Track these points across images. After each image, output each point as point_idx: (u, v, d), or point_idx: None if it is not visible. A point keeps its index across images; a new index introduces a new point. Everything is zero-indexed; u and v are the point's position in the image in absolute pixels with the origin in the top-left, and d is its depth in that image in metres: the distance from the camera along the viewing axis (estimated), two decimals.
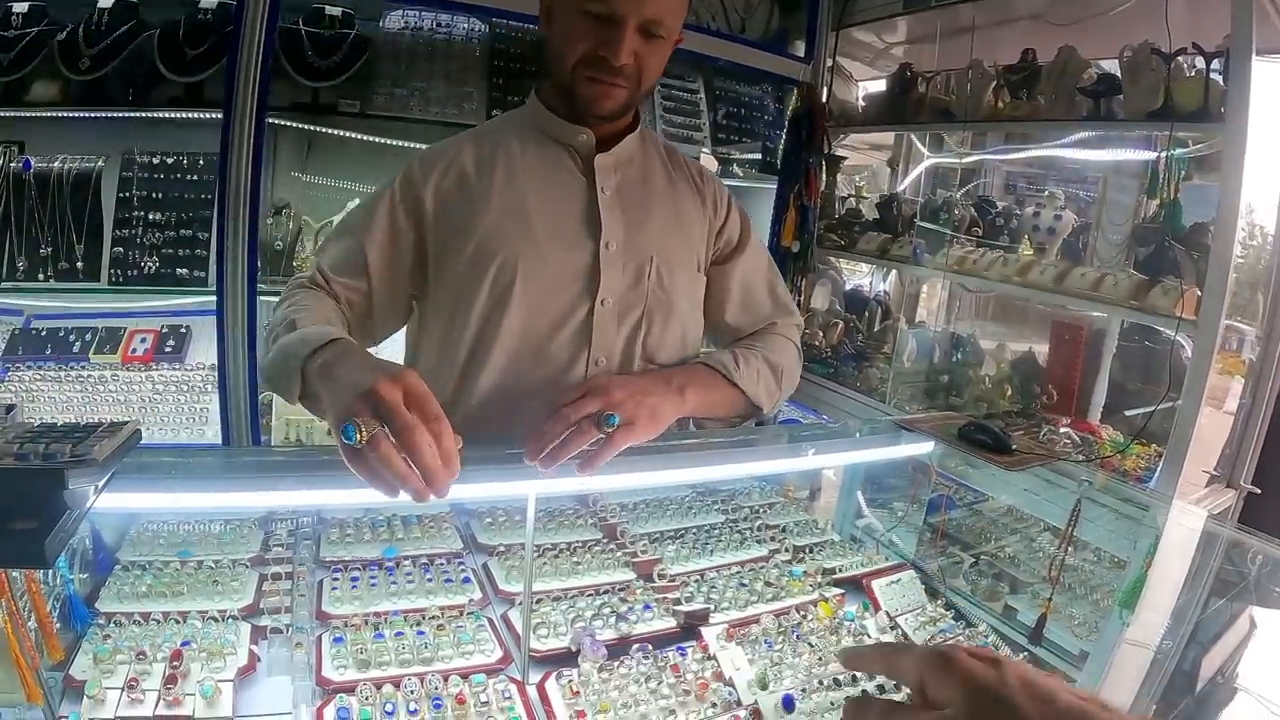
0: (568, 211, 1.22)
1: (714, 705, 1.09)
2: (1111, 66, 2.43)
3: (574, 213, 1.22)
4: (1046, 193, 2.82)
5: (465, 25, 2.66)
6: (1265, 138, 2.07)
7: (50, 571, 0.98)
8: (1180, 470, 2.05)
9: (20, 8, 2.36)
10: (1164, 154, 2.19)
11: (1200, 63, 2.14)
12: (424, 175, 1.22)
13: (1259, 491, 2.42)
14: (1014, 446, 1.46)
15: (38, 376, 2.38)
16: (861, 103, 3.48)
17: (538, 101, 1.26)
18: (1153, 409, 2.19)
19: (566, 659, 1.15)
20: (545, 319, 1.21)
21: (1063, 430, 2.37)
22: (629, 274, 1.24)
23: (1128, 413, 2.49)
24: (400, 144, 2.60)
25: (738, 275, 1.41)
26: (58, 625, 0.99)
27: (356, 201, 2.52)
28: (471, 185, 1.21)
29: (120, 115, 2.39)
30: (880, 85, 3.31)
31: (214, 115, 2.31)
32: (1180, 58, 2.16)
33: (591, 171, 1.24)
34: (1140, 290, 2.20)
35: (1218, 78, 2.10)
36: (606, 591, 1.32)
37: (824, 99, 3.22)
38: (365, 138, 2.58)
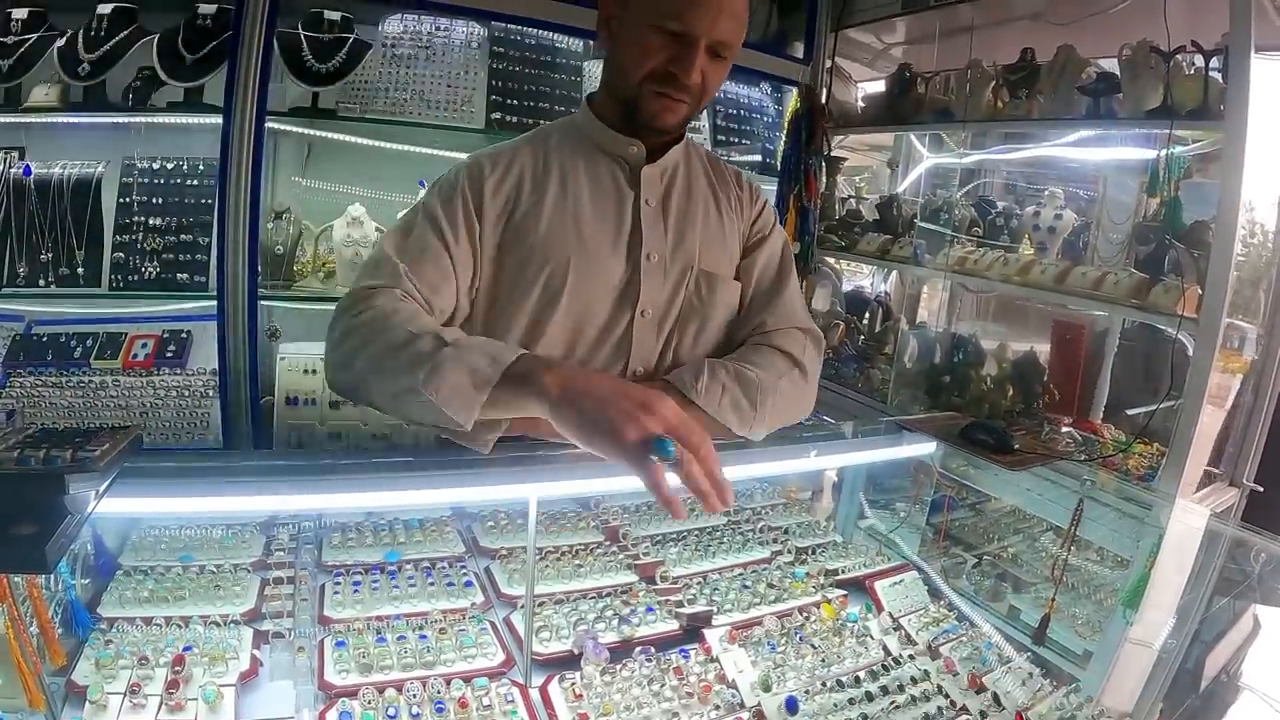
0: (614, 223, 1.22)
1: (717, 707, 1.09)
2: (1111, 65, 2.42)
3: (619, 224, 1.22)
4: (1047, 192, 2.82)
5: (464, 28, 2.66)
6: (1265, 135, 2.07)
7: (52, 577, 0.98)
8: (1183, 469, 2.05)
9: (20, 13, 2.35)
10: (1164, 152, 2.19)
11: (1199, 60, 2.13)
12: (491, 172, 1.20)
13: (1261, 489, 2.42)
14: (1016, 446, 1.46)
15: (39, 382, 2.37)
16: (861, 103, 3.48)
17: (590, 113, 1.25)
18: (1154, 408, 2.19)
19: (569, 662, 1.15)
20: (589, 328, 1.20)
21: (1065, 430, 2.37)
22: (669, 285, 1.23)
23: (1130, 412, 2.49)
24: (400, 148, 2.59)
25: (743, 273, 1.34)
26: (59, 630, 0.99)
27: (354, 209, 2.54)
28: (529, 191, 1.20)
29: (120, 120, 2.39)
30: (879, 86, 3.31)
31: (214, 120, 2.30)
32: (1179, 56, 2.16)
33: (638, 182, 1.24)
34: (1141, 289, 2.20)
35: (1217, 75, 2.10)
36: (609, 594, 1.32)
37: (823, 100, 3.22)
38: (365, 141, 2.57)
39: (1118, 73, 2.35)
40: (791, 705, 1.09)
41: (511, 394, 0.90)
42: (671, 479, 0.83)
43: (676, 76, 1.11)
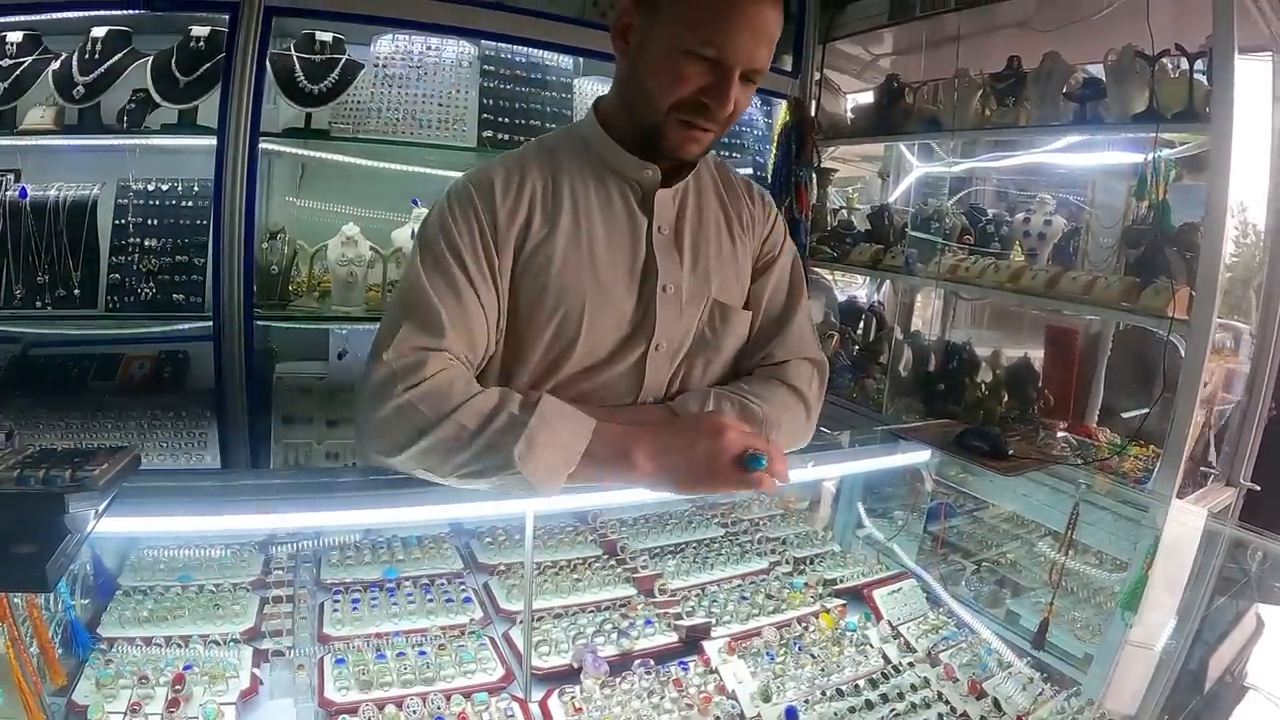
0: (628, 254, 1.15)
1: (717, 718, 1.09)
2: (1096, 71, 2.44)
3: (634, 255, 1.15)
4: (1036, 198, 2.84)
5: (455, 48, 2.68)
6: (1252, 135, 2.09)
7: (52, 597, 0.98)
8: (1178, 470, 2.05)
9: (15, 36, 2.38)
10: (1151, 155, 2.21)
11: (1184, 63, 2.15)
12: (504, 197, 1.10)
13: (1258, 488, 2.43)
14: (1010, 452, 1.46)
15: (36, 403, 2.38)
16: (850, 115, 3.51)
17: (600, 129, 1.15)
18: (1147, 410, 2.20)
19: (569, 676, 1.15)
20: (602, 364, 1.15)
21: (1060, 435, 2.38)
22: (685, 317, 1.17)
23: (1125, 415, 2.50)
24: (393, 167, 2.62)
25: (752, 298, 1.28)
26: (59, 650, 0.99)
27: (348, 229, 2.55)
28: (540, 222, 1.11)
29: (115, 142, 2.41)
30: (868, 97, 3.34)
31: (208, 141, 2.32)
32: (1164, 59, 2.18)
33: (650, 206, 1.16)
34: (1132, 292, 2.21)
35: (1202, 78, 2.12)
36: (608, 608, 1.32)
37: (812, 112, 3.25)
38: (358, 161, 2.59)
39: (1103, 78, 2.37)
40: (791, 715, 1.10)
41: (594, 469, 0.95)
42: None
43: (709, 108, 1.03)
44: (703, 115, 1.04)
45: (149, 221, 2.44)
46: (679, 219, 1.18)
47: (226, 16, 2.31)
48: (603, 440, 0.96)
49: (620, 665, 1.17)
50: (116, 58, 2.38)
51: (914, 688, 1.19)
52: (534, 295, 1.11)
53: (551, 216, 1.12)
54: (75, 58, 2.35)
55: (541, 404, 0.96)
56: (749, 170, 3.22)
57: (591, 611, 1.30)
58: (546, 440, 0.93)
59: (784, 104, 3.21)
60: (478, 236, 1.08)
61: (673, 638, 1.26)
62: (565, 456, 0.93)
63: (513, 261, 1.10)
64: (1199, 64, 2.11)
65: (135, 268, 2.40)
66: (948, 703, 1.17)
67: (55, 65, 2.35)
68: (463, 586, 1.34)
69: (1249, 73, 2.09)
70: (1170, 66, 2.19)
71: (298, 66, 2.46)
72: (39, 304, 2.35)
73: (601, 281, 1.12)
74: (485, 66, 2.69)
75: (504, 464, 0.92)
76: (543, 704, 1.09)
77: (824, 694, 1.15)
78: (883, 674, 1.22)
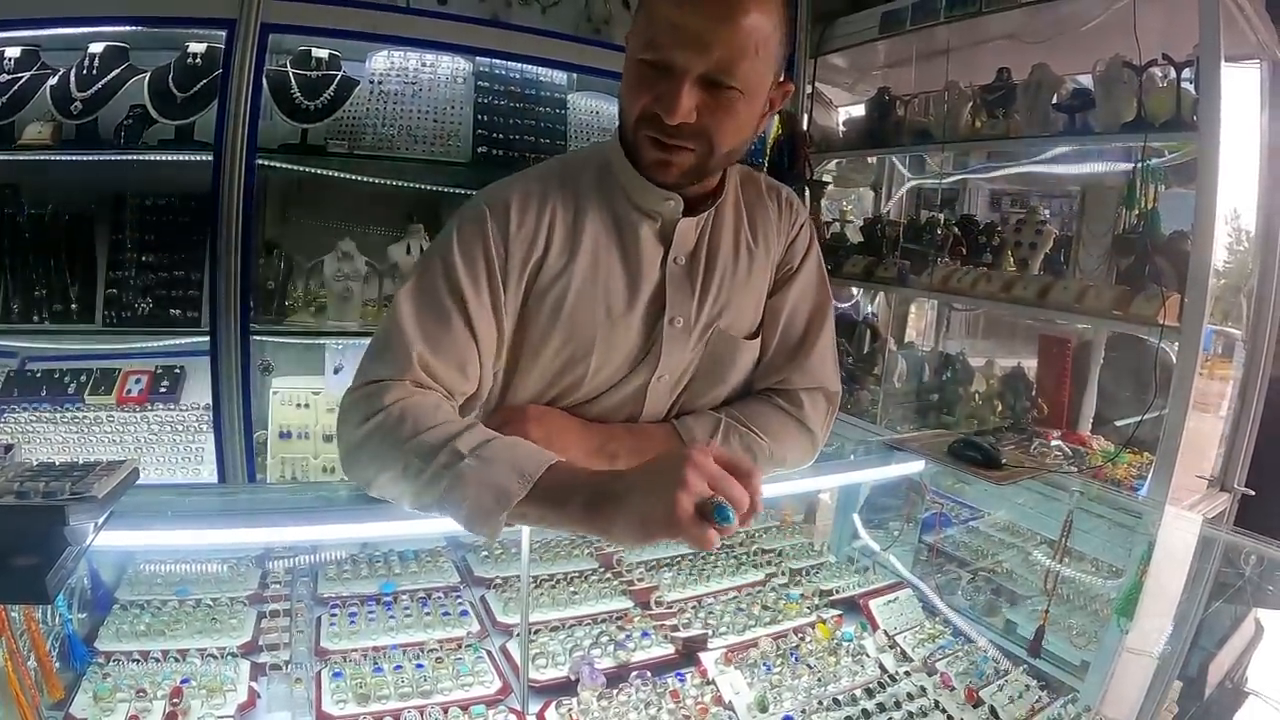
0: (641, 285, 1.09)
1: None
2: (1086, 81, 2.47)
3: (646, 285, 1.09)
4: (1027, 209, 2.86)
5: (449, 64, 2.70)
6: (1241, 142, 2.12)
7: (49, 611, 0.99)
8: (1171, 476, 2.06)
9: (13, 52, 2.39)
10: (1139, 164, 2.23)
11: (1172, 73, 2.18)
12: (519, 225, 1.05)
13: (1253, 493, 2.44)
14: (1003, 461, 1.47)
15: (33, 418, 2.38)
16: (842, 128, 3.54)
17: (625, 160, 1.06)
18: (1140, 418, 2.21)
19: (566, 688, 1.15)
20: (603, 393, 1.13)
21: (1054, 443, 2.39)
22: (690, 349, 1.13)
23: (1118, 423, 2.52)
24: (389, 183, 2.62)
25: (769, 314, 1.21)
26: (57, 664, 0.99)
27: (344, 245, 2.56)
28: (557, 252, 1.07)
29: (112, 158, 2.42)
30: (860, 110, 3.36)
31: (205, 157, 2.33)
32: (1152, 69, 2.20)
33: (668, 237, 1.09)
34: (1123, 300, 2.22)
35: (1189, 87, 2.14)
36: (604, 620, 1.32)
37: (804, 126, 3.27)
38: (354, 177, 2.59)
39: (1092, 88, 2.39)
40: None
41: (539, 510, 0.83)
42: None
43: (659, 117, 0.95)
44: (657, 127, 0.96)
45: (146, 236, 2.44)
46: (696, 246, 1.12)
47: (223, 33, 2.33)
48: (553, 483, 0.83)
49: (617, 677, 1.17)
50: (114, 73, 2.39)
51: (910, 696, 1.19)
52: (544, 327, 1.07)
53: (570, 249, 1.07)
54: (73, 73, 2.36)
55: (491, 444, 0.87)
56: None
57: (588, 624, 1.30)
58: (478, 481, 0.84)
59: (776, 117, 3.24)
60: (482, 263, 1.03)
61: (669, 649, 1.26)
62: (497, 497, 0.82)
63: (525, 290, 1.06)
64: (1186, 73, 2.14)
65: (132, 282, 2.41)
66: (944, 711, 1.18)
67: (53, 81, 2.36)
68: (459, 600, 1.34)
69: (1236, 81, 2.12)
70: (1158, 76, 2.21)
71: (294, 83, 2.48)
72: (36, 318, 2.36)
73: (614, 318, 1.08)
74: (480, 83, 2.71)
75: (437, 502, 0.87)
76: (540, 716, 1.09)
77: (821, 704, 1.15)
78: (879, 683, 1.22)
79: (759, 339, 1.18)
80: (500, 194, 1.07)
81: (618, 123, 1.07)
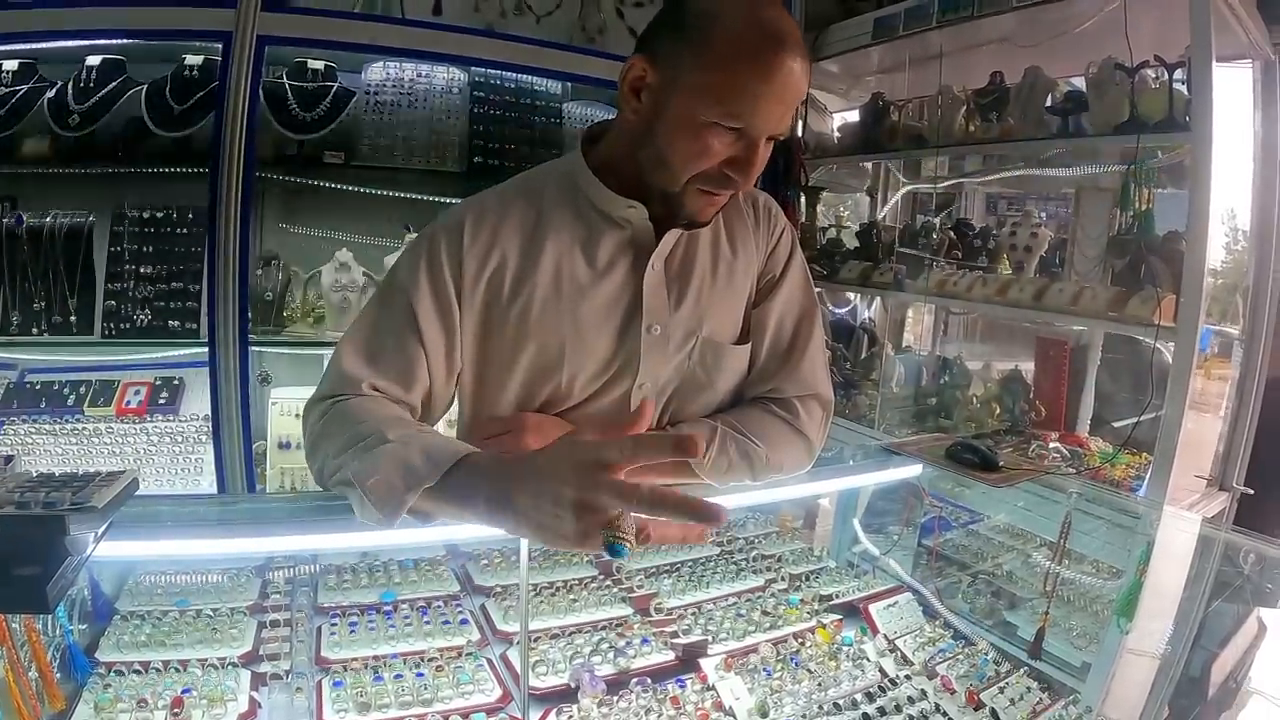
0: (613, 293, 1.09)
1: None
2: (1079, 84, 2.48)
3: (619, 293, 1.09)
4: (1022, 211, 2.87)
5: (445, 75, 2.72)
6: (1234, 142, 2.12)
7: (50, 621, 0.99)
8: (1169, 477, 2.06)
9: (10, 65, 2.40)
10: (1131, 165, 2.24)
11: (1164, 74, 2.19)
12: (473, 242, 1.06)
13: (1252, 492, 2.44)
14: (1001, 463, 1.47)
15: (33, 429, 2.38)
16: (836, 133, 3.55)
17: (589, 172, 1.07)
18: (1137, 419, 2.22)
19: (566, 695, 1.15)
20: (584, 397, 1.12)
21: (1052, 445, 2.39)
22: (671, 357, 1.12)
23: (1116, 424, 2.52)
24: (385, 193, 2.63)
25: (755, 325, 1.21)
26: (58, 675, 0.99)
27: (341, 255, 2.57)
28: (516, 264, 1.07)
29: (110, 171, 2.43)
30: (854, 115, 3.38)
31: (202, 169, 2.34)
32: (1144, 70, 2.21)
33: (640, 244, 1.09)
34: (1118, 301, 2.23)
35: (1181, 87, 2.15)
36: (604, 627, 1.33)
37: (799, 132, 3.28)
38: (350, 188, 2.60)
39: (1085, 90, 2.41)
40: None
41: (447, 506, 0.83)
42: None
43: (734, 180, 0.97)
44: (727, 187, 0.98)
45: (144, 248, 2.45)
46: (672, 254, 1.11)
47: (220, 45, 2.34)
48: (461, 476, 0.82)
49: (617, 684, 1.18)
50: (111, 86, 2.40)
51: (911, 700, 1.19)
52: (513, 337, 1.08)
53: (531, 256, 1.07)
54: (70, 86, 2.37)
55: (417, 434, 0.89)
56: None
57: (588, 631, 1.30)
58: (394, 457, 0.84)
59: None
60: (436, 288, 1.05)
61: (669, 656, 1.27)
62: (405, 478, 0.82)
63: (486, 303, 1.07)
64: (1178, 74, 2.14)
65: (131, 294, 2.41)
66: (946, 714, 1.18)
67: (51, 94, 2.37)
68: (459, 608, 1.34)
69: (1228, 80, 2.12)
70: (1151, 77, 2.22)
71: (290, 94, 2.49)
72: (35, 330, 2.36)
73: (581, 324, 1.08)
74: (475, 93, 2.72)
75: (354, 475, 0.86)
76: None
77: (821, 709, 1.15)
78: (880, 687, 1.22)
79: (748, 344, 1.18)
80: (456, 212, 1.09)
81: (627, 154, 1.04)
